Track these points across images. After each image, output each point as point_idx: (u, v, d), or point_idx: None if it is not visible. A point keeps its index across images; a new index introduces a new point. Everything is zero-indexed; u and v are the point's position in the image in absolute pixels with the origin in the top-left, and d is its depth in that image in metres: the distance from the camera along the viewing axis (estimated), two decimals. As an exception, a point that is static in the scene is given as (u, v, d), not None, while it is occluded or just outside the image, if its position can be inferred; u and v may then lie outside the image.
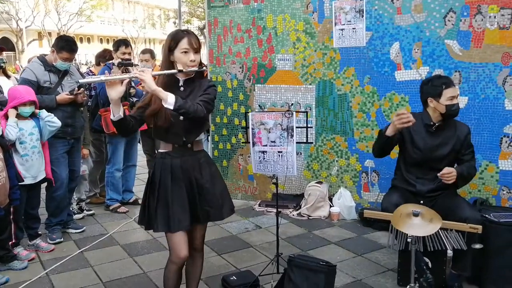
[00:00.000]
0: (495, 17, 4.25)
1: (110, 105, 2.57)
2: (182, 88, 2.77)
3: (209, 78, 5.64)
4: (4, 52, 4.66)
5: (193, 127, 2.75)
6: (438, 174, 3.38)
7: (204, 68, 2.81)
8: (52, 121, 4.10)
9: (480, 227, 2.92)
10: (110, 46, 6.46)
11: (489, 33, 4.29)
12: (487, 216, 3.46)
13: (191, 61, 2.68)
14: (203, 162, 2.83)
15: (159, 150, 2.86)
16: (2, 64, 4.59)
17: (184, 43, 2.67)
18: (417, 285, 2.92)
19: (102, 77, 2.49)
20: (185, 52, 2.67)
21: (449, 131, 3.52)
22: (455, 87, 3.48)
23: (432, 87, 3.48)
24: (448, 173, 3.35)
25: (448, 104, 3.42)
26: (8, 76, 4.65)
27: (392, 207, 3.40)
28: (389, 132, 3.42)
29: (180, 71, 2.69)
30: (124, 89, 2.54)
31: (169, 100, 2.50)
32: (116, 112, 2.56)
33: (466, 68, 4.42)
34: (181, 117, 2.66)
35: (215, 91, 2.81)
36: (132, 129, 2.74)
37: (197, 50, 2.70)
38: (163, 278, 2.86)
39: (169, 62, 2.73)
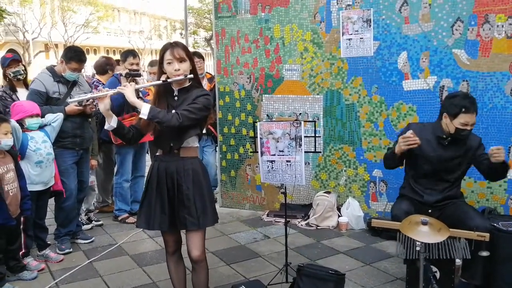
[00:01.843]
0: (502, 26, 4.26)
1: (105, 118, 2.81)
2: (176, 98, 2.91)
3: (217, 88, 5.69)
4: (21, 63, 4.67)
5: (177, 134, 2.87)
6: (489, 151, 3.29)
7: (191, 75, 2.87)
8: (55, 118, 4.19)
9: (487, 234, 2.92)
10: (116, 58, 6.49)
11: (496, 42, 4.31)
12: (495, 225, 3.45)
13: (175, 70, 2.81)
14: (188, 169, 2.89)
15: (155, 154, 3.06)
16: (19, 76, 4.62)
17: (167, 54, 2.83)
18: (426, 294, 2.91)
19: (89, 95, 2.79)
20: (169, 62, 2.82)
21: (461, 143, 3.48)
22: (473, 114, 3.35)
23: (452, 105, 3.40)
24: (498, 149, 3.26)
25: (459, 128, 3.37)
26: (28, 87, 4.68)
27: (402, 214, 3.40)
28: (397, 151, 3.47)
29: (164, 81, 2.84)
30: (109, 101, 2.77)
31: (143, 110, 2.71)
32: (109, 122, 2.79)
33: (473, 77, 4.43)
34: None
35: (206, 100, 2.86)
36: (133, 138, 2.95)
37: (181, 60, 2.82)
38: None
39: (161, 73, 2.91)
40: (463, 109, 3.31)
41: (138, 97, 5.20)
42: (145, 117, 2.72)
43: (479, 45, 4.38)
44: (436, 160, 3.50)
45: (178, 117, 2.73)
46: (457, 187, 3.63)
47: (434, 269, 3.32)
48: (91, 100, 4.56)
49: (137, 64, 5.38)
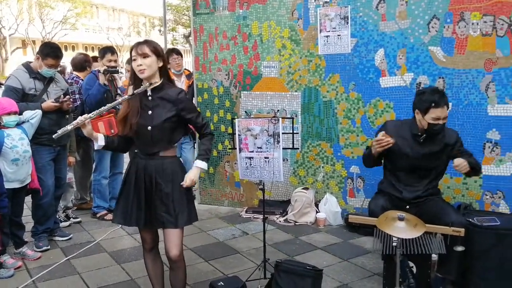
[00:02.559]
0: (477, 24, 4.33)
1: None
2: (150, 98, 2.88)
3: (195, 85, 5.67)
4: None
5: (161, 138, 2.89)
6: (454, 165, 3.36)
7: (156, 83, 2.85)
8: (33, 115, 4.13)
9: (463, 230, 2.96)
10: (94, 54, 6.45)
11: (472, 39, 4.37)
12: (470, 220, 3.50)
13: (137, 66, 2.80)
14: (167, 168, 2.90)
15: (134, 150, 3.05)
16: None
17: (133, 52, 2.83)
18: (402, 288, 2.96)
19: (69, 127, 2.74)
20: (134, 59, 2.82)
21: (437, 139, 3.49)
22: (444, 108, 3.36)
23: (421, 101, 3.42)
24: (458, 165, 3.33)
25: (431, 123, 3.40)
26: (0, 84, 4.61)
27: (379, 209, 3.44)
28: (373, 152, 3.50)
29: (132, 95, 2.82)
30: (90, 126, 2.79)
31: (202, 166, 2.99)
32: (97, 142, 2.87)
33: (449, 74, 4.49)
34: (149, 128, 2.84)
35: (187, 98, 2.97)
36: (122, 147, 3.05)
37: (144, 56, 2.80)
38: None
39: (133, 71, 2.90)
40: (433, 104, 3.34)
41: (117, 94, 5.22)
42: (205, 168, 3.00)
43: (454, 42, 4.45)
44: (413, 157, 3.51)
45: (212, 136, 3.07)
46: (436, 185, 3.66)
47: (411, 264, 3.38)
48: (68, 96, 4.53)
49: (115, 61, 5.33)
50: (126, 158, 5.79)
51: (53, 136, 2.79)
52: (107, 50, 5.36)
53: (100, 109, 2.83)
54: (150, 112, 2.84)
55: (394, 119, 4.03)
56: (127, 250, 4.46)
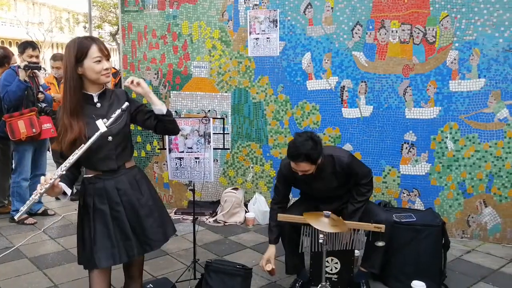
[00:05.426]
0: (397, 31, 4.57)
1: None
2: (98, 105, 2.50)
3: (123, 84, 5.54)
4: None
5: (125, 146, 2.57)
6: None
7: (127, 104, 2.51)
8: None
9: (383, 226, 3.12)
10: (13, 50, 6.13)
11: (392, 46, 4.61)
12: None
13: (105, 69, 2.44)
14: (140, 179, 2.60)
15: (85, 176, 2.55)
16: None
17: (95, 51, 2.40)
18: (327, 283, 3.07)
19: (36, 197, 2.26)
20: (99, 60, 2.41)
21: (327, 170, 3.34)
22: (300, 165, 3.13)
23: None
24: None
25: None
26: None
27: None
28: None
29: (101, 134, 2.35)
30: (59, 189, 2.30)
31: (163, 108, 2.71)
32: (63, 195, 2.38)
33: (371, 78, 4.71)
34: (110, 138, 2.45)
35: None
36: (78, 175, 2.53)
37: (109, 57, 2.48)
38: None
39: (76, 75, 2.42)
40: (288, 155, 3.20)
41: (39, 91, 5.01)
42: (164, 112, 2.68)
43: (376, 48, 4.67)
44: (312, 191, 3.50)
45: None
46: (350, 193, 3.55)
47: (335, 260, 3.51)
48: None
49: (37, 57, 5.12)
50: (49, 159, 5.58)
51: (15, 218, 2.43)
52: (28, 45, 5.13)
53: (77, 153, 2.29)
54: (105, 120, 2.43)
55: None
56: (50, 255, 4.29)
